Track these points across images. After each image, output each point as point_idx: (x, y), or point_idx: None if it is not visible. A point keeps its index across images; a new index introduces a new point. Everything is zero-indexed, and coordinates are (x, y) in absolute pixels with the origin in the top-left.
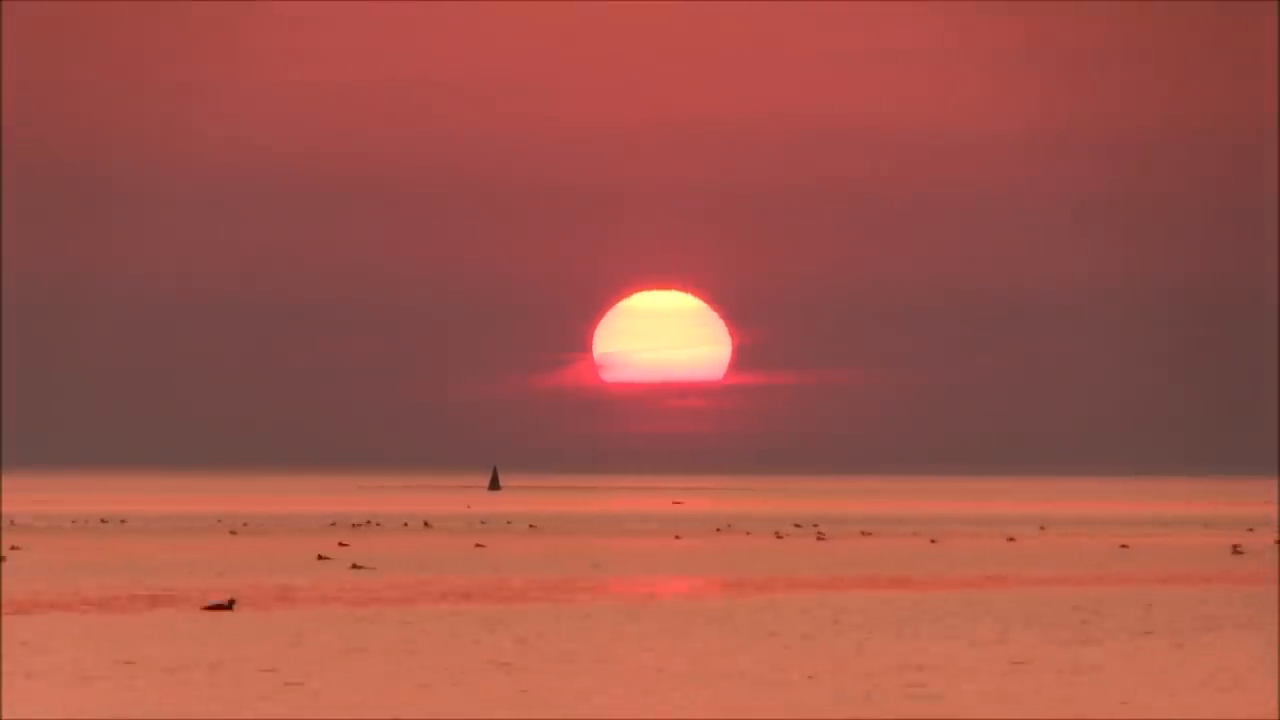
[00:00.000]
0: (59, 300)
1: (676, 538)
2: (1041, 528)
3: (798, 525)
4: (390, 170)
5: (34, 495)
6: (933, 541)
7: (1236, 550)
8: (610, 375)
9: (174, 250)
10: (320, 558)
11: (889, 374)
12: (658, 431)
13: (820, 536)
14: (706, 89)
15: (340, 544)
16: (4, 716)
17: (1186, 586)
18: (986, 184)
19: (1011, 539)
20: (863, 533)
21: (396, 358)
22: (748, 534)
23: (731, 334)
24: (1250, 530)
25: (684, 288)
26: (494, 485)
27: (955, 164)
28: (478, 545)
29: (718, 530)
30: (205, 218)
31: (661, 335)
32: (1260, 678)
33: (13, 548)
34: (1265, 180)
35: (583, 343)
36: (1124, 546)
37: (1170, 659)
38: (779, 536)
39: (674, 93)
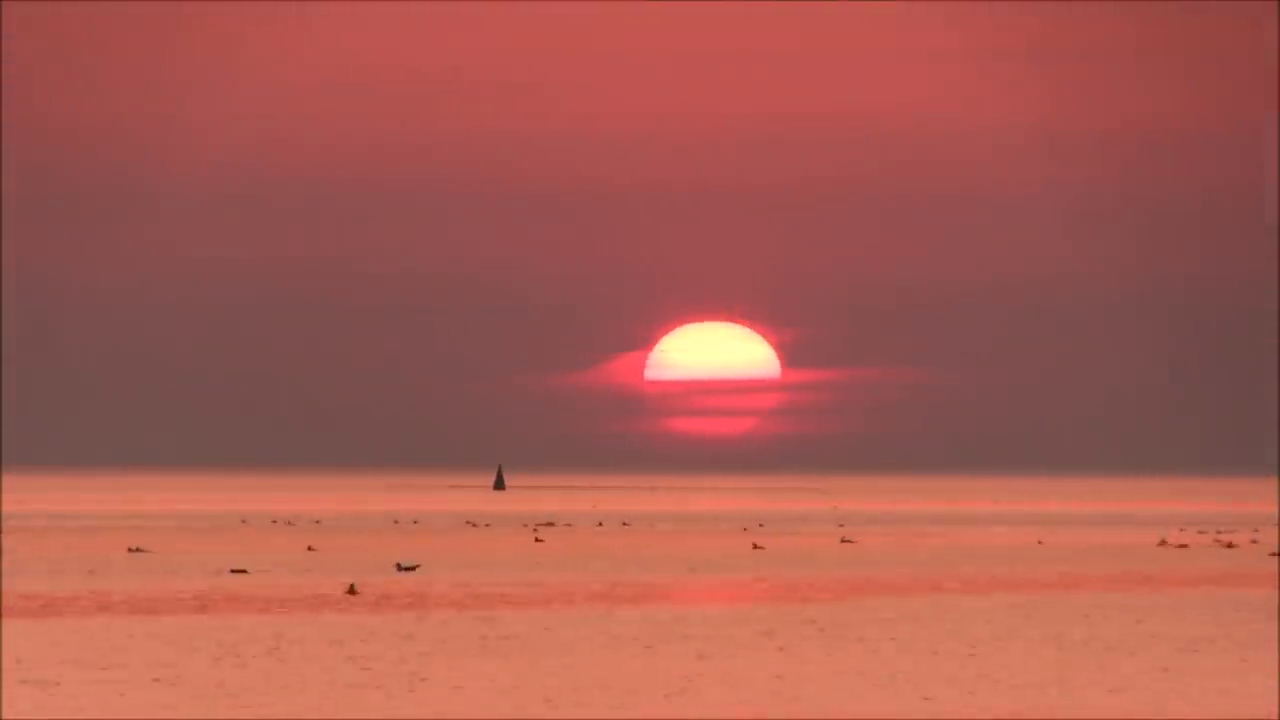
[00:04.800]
0: (59, 300)
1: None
2: (1075, 527)
3: (843, 525)
4: (407, 170)
5: (33, 495)
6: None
7: (1234, 548)
8: (647, 374)
9: (190, 249)
10: (310, 549)
11: (923, 374)
12: (694, 431)
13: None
14: (724, 91)
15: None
16: (4, 717)
17: (1187, 585)
18: (1005, 181)
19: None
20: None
21: (407, 357)
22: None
23: (772, 334)
24: (1250, 529)
25: (721, 291)
26: (499, 485)
27: (976, 161)
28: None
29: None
30: (226, 215)
31: (702, 343)
32: (1260, 678)
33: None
34: (1265, 180)
35: (615, 343)
36: (1141, 547)
37: (1170, 658)
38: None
39: (696, 94)
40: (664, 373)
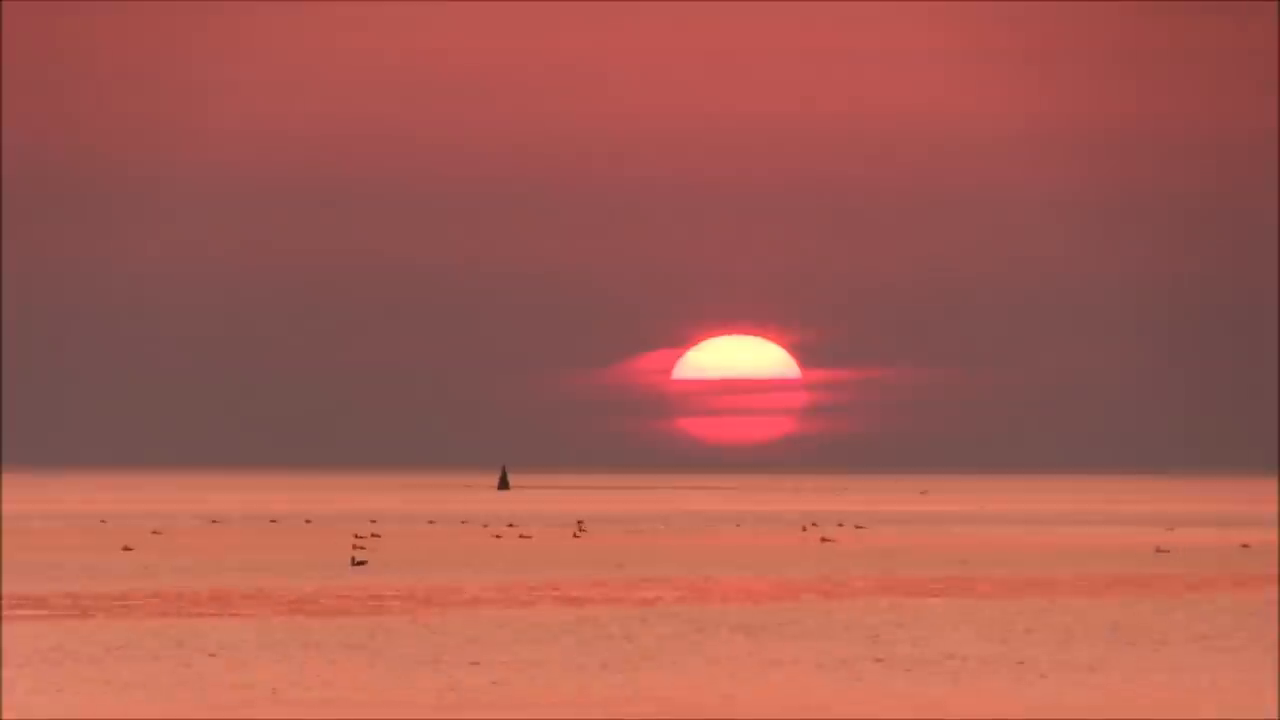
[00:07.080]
0: (61, 300)
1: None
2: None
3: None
4: (418, 169)
5: (33, 495)
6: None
7: (1242, 548)
8: (675, 374)
9: (192, 249)
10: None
11: (942, 373)
12: (709, 431)
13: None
14: (730, 89)
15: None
16: (4, 717)
17: (1187, 586)
18: (1012, 181)
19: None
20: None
21: (423, 358)
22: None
23: (789, 335)
24: (1249, 530)
25: (735, 291)
26: (503, 485)
27: (980, 162)
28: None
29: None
30: (228, 216)
31: (721, 347)
32: (1260, 678)
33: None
34: (1265, 180)
35: (631, 343)
36: (1156, 549)
37: (1169, 659)
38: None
39: (698, 92)
40: (685, 373)
